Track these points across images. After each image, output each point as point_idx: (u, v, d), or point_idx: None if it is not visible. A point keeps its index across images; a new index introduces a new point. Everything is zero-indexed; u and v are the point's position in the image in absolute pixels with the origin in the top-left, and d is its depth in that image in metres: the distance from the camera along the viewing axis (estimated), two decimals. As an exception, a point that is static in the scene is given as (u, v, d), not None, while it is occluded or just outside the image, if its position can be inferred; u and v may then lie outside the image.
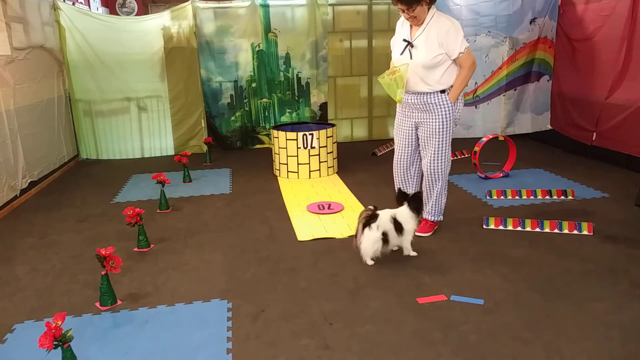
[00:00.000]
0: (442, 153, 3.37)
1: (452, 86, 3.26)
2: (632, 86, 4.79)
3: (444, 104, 3.27)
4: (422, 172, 3.55)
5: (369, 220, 3.03)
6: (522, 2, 5.95)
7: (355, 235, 3.13)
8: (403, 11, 3.14)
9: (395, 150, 3.62)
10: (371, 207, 3.08)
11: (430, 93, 3.26)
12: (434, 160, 3.40)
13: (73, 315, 2.63)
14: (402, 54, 3.27)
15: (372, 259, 3.10)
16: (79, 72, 6.10)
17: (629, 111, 4.77)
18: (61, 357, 2.10)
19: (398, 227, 3.08)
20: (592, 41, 5.30)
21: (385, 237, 3.04)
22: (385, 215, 3.07)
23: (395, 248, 3.22)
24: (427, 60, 3.17)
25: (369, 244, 3.04)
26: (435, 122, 3.31)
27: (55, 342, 2.01)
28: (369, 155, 6.13)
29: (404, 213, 3.12)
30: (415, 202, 3.16)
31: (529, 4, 5.95)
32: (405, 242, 3.18)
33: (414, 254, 3.20)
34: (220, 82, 6.45)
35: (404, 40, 3.26)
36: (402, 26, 3.33)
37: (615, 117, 4.97)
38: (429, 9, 3.15)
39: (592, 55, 5.33)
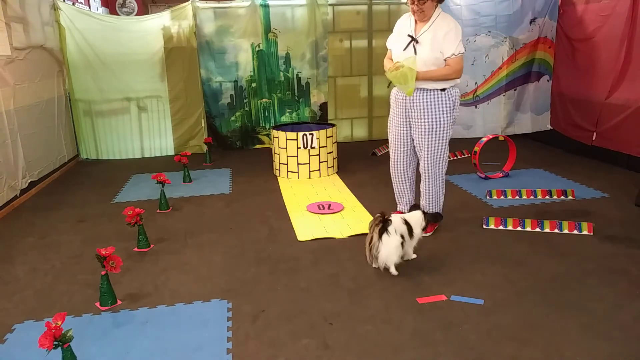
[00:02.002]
0: (439, 152, 3.37)
1: (453, 86, 3.26)
2: (632, 86, 4.78)
3: (442, 103, 3.25)
4: (420, 172, 3.55)
5: (384, 225, 2.88)
6: (522, 2, 5.95)
7: (370, 247, 2.94)
8: (413, 2, 3.10)
9: (391, 152, 3.60)
10: (379, 215, 2.96)
11: (430, 90, 3.24)
12: (430, 159, 3.39)
13: (73, 315, 2.63)
14: (405, 49, 3.23)
15: (395, 269, 2.94)
16: (79, 72, 6.10)
17: (629, 111, 4.77)
18: (61, 357, 2.10)
19: (410, 230, 2.98)
20: (592, 41, 5.30)
21: (402, 241, 2.92)
22: (397, 219, 2.96)
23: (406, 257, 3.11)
24: (430, 57, 3.16)
25: (392, 250, 2.88)
26: (432, 120, 3.28)
27: (55, 342, 2.01)
28: (369, 155, 6.13)
29: (414, 216, 3.07)
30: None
31: (529, 4, 5.95)
32: (410, 248, 3.07)
33: (414, 256, 3.14)
34: (220, 82, 6.45)
35: (409, 35, 3.22)
36: (405, 21, 3.30)
37: (615, 117, 4.96)
38: (436, 7, 3.16)
39: (592, 55, 5.33)
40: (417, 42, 3.18)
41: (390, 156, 3.62)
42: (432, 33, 3.15)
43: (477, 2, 6.12)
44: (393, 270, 2.94)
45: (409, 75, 3.10)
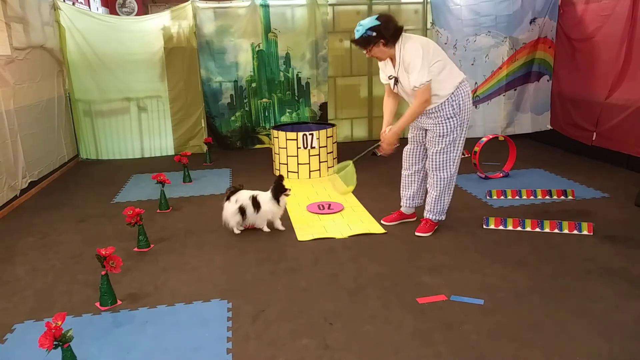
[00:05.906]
0: (444, 154, 3.38)
1: (453, 93, 3.27)
2: (632, 86, 4.78)
3: (445, 112, 3.30)
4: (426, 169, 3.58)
5: (230, 193, 3.64)
6: (522, 2, 5.95)
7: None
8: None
9: (409, 141, 3.68)
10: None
11: (432, 108, 3.31)
12: (435, 159, 3.42)
13: (73, 315, 2.63)
14: (394, 88, 3.37)
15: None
16: (79, 72, 6.10)
17: (629, 111, 4.77)
18: (61, 357, 2.10)
19: (256, 205, 3.60)
20: (592, 41, 5.30)
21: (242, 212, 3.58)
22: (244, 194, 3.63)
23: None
24: (411, 91, 3.24)
25: (229, 215, 3.61)
26: (440, 128, 3.34)
27: (55, 342, 2.01)
28: (369, 155, 6.11)
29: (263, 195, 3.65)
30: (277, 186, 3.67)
31: (529, 4, 5.95)
32: (260, 220, 3.66)
33: (282, 228, 3.72)
34: (220, 82, 6.45)
35: (389, 77, 3.35)
36: (386, 63, 3.36)
37: (615, 117, 4.96)
38: (390, 47, 3.17)
39: (592, 55, 5.33)
40: (397, 80, 3.29)
41: (407, 144, 3.70)
42: (402, 69, 3.23)
43: (477, 2, 6.12)
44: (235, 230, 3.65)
45: (349, 179, 3.47)
